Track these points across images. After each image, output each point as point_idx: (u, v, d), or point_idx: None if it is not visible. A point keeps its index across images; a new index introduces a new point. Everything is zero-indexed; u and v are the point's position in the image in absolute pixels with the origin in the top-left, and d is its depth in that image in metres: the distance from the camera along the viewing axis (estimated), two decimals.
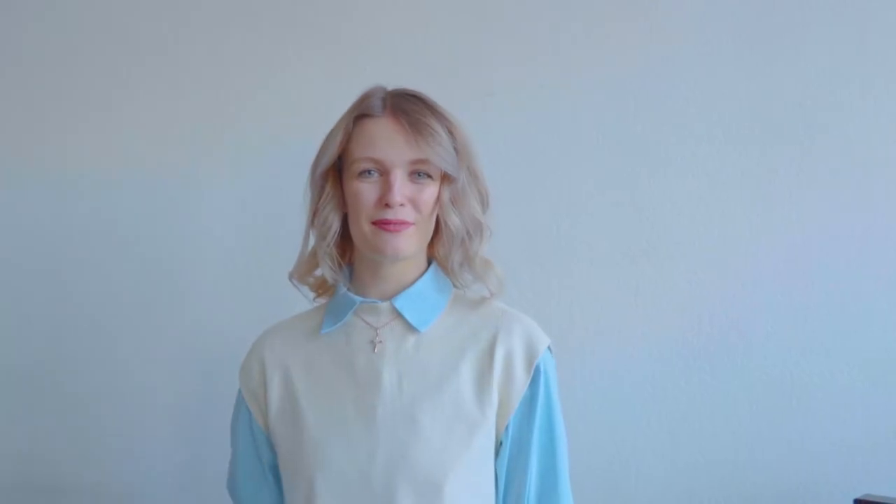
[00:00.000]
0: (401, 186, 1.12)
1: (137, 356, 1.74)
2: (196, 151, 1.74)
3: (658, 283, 1.63)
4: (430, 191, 1.15)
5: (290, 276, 1.24)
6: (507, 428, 1.15)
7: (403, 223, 1.12)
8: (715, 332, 1.60)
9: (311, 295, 1.27)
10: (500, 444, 1.16)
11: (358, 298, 1.18)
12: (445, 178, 1.16)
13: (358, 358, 1.17)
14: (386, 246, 1.12)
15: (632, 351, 1.62)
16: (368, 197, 1.13)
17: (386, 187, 1.12)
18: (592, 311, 1.64)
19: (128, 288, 1.75)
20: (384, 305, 1.18)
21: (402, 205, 1.12)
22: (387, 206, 1.12)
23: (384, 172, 1.13)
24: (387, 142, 1.13)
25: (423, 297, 1.19)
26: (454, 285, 1.24)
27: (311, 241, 1.22)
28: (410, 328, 1.17)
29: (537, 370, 1.17)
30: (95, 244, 1.76)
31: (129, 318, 1.74)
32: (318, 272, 1.23)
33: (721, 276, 1.60)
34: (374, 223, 1.13)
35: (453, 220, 1.17)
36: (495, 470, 1.17)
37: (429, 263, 1.22)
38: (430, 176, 1.15)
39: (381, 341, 1.17)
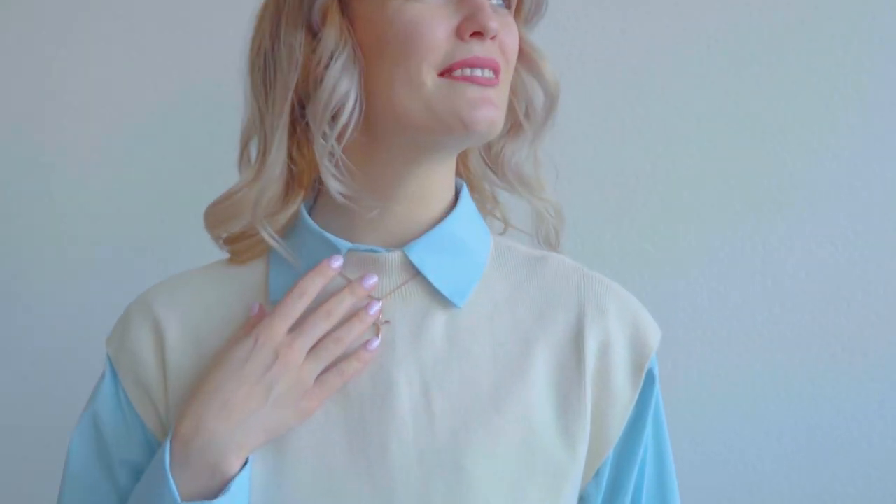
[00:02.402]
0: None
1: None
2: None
3: (790, 243, 1.32)
4: (515, 29, 0.71)
5: (206, 216, 0.74)
6: (599, 469, 0.73)
7: (495, 67, 0.67)
8: (859, 310, 1.30)
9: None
10: (586, 492, 0.74)
11: (345, 244, 0.72)
12: (517, 17, 0.73)
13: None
14: (475, 110, 0.65)
15: (752, 335, 1.32)
16: (436, 27, 0.66)
17: (473, 5, 0.66)
18: (700, 284, 1.32)
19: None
20: (392, 257, 0.71)
21: (492, 38, 0.68)
22: (474, 35, 0.66)
23: None
24: None
25: (455, 244, 0.72)
26: (491, 217, 0.82)
27: (273, 153, 0.70)
28: (438, 298, 0.71)
29: (650, 377, 0.74)
30: None
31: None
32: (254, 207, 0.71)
33: (875, 237, 1.31)
34: (447, 73, 0.66)
35: (549, 72, 0.73)
36: None
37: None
38: (508, 7, 0.72)
39: (387, 321, 0.70)
